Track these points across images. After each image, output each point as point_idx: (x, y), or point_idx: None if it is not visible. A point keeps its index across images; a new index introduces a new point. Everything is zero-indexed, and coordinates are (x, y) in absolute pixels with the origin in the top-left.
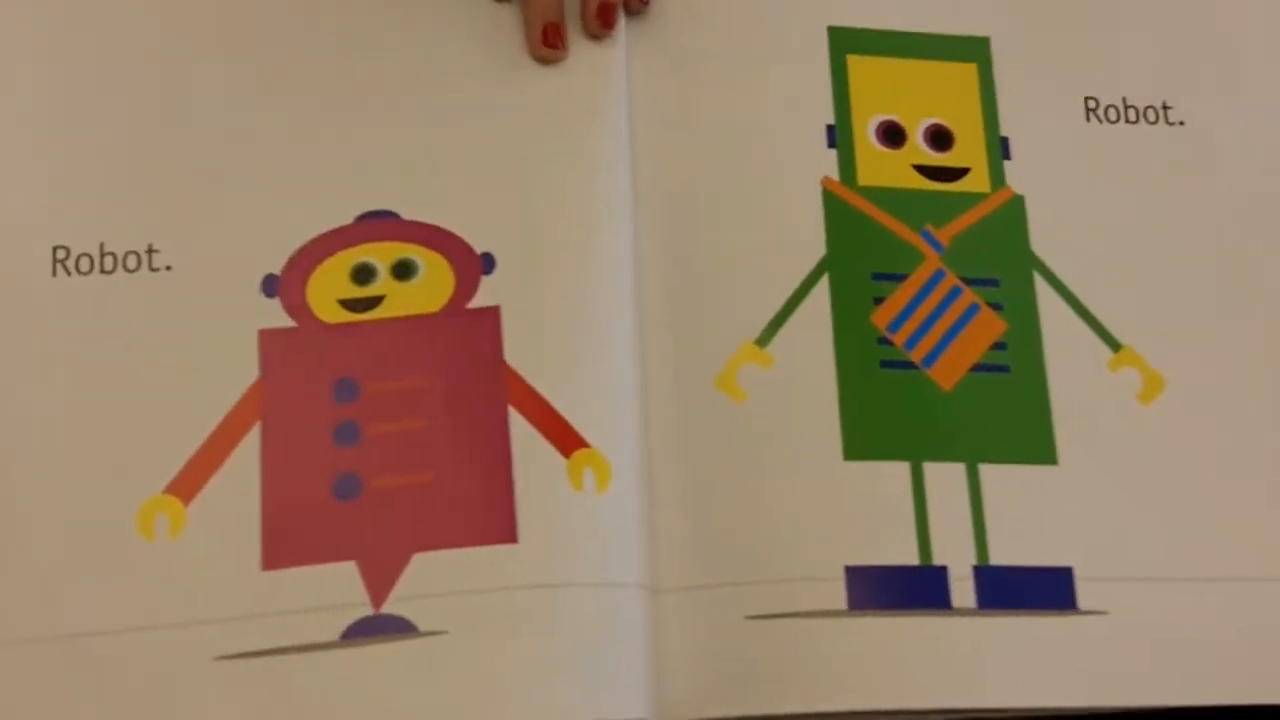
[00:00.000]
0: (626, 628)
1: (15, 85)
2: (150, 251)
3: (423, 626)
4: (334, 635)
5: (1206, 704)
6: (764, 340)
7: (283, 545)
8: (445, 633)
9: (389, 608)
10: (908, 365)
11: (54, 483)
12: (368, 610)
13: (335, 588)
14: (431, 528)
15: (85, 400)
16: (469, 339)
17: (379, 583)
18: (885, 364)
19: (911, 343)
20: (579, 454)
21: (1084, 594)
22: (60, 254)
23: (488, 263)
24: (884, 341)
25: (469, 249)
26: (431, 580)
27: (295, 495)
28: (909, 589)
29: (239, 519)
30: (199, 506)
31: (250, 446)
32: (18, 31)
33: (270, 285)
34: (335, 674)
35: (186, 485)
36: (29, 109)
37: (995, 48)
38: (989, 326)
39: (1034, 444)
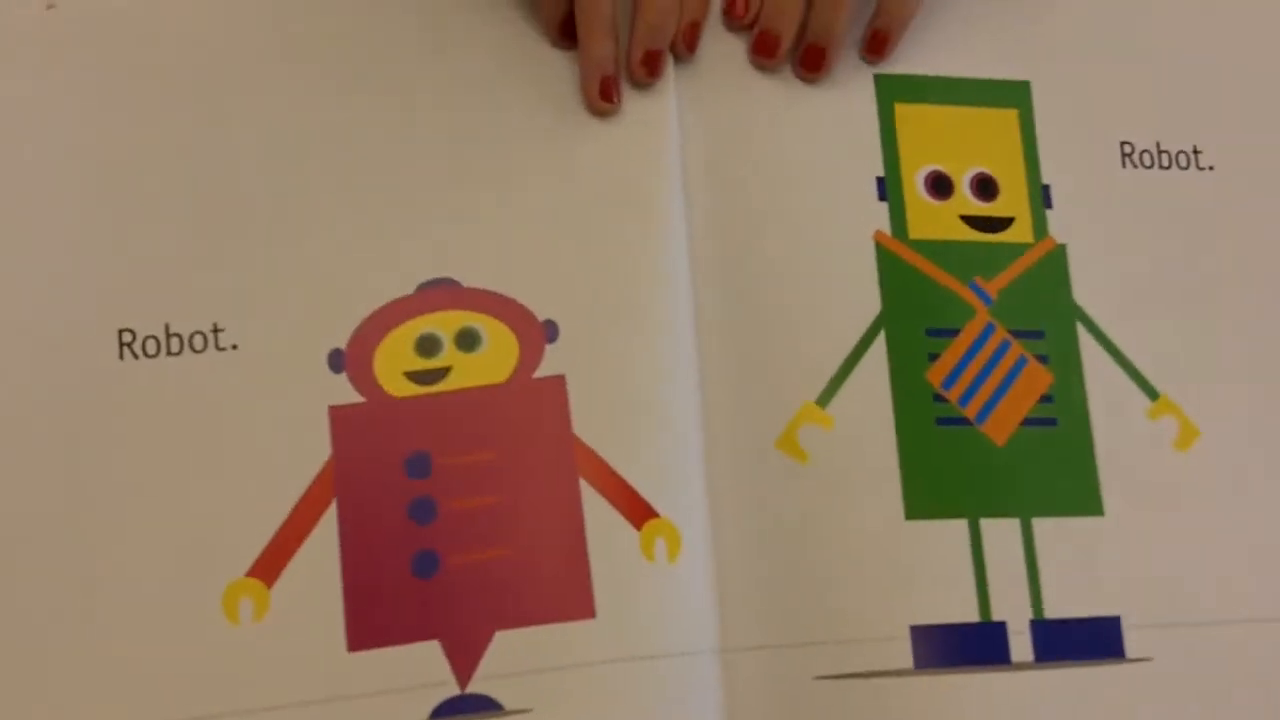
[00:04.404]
0: (702, 693)
1: (73, 168)
2: (216, 330)
3: (509, 705)
4: (423, 715)
5: None
6: (824, 400)
7: (366, 625)
8: (530, 710)
9: (474, 687)
10: (963, 422)
11: (136, 568)
12: (454, 690)
13: (421, 667)
14: (511, 605)
15: (161, 484)
16: (537, 410)
17: (463, 662)
18: (941, 421)
19: (965, 399)
20: (650, 524)
21: (1131, 641)
22: (126, 337)
23: (551, 330)
24: (939, 398)
25: (531, 316)
26: (513, 658)
27: (375, 574)
28: (971, 646)
29: (321, 600)
30: (281, 588)
31: (328, 526)
32: (73, 115)
33: (337, 360)
34: None
35: (268, 567)
36: (86, 192)
37: (1035, 92)
38: (1037, 379)
39: (1081, 495)
